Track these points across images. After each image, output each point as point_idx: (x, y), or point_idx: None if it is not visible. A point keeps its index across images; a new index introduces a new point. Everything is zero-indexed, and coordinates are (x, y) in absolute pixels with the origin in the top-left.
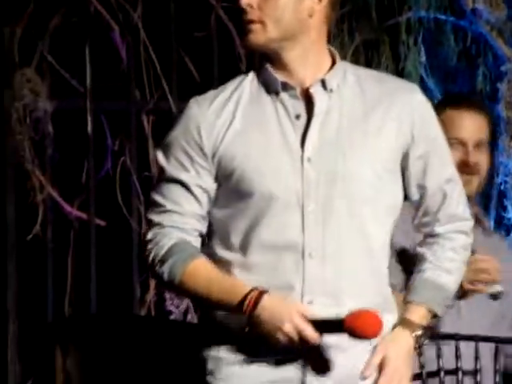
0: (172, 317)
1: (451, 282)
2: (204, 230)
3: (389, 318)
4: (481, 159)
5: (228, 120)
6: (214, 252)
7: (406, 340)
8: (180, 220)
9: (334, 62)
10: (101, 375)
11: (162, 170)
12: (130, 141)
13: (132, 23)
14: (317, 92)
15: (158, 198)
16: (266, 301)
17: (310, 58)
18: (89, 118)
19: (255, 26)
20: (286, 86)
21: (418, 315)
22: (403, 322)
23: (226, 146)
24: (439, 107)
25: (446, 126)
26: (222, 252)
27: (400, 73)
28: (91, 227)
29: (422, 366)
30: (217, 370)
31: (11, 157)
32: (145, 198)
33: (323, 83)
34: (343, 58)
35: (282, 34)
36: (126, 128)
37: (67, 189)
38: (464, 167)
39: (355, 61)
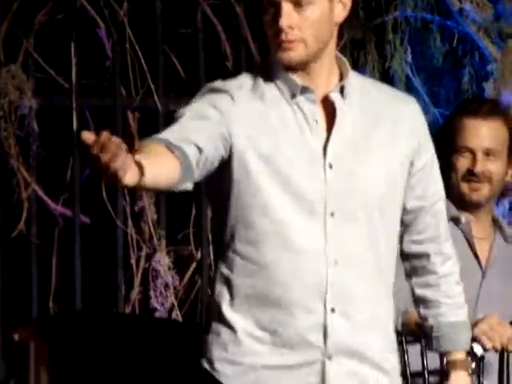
0: (157, 314)
1: (466, 314)
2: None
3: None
4: (492, 168)
5: (255, 112)
6: (234, 246)
7: (465, 381)
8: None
9: (340, 68)
10: (85, 372)
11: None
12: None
13: (118, 20)
14: (336, 98)
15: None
16: None
17: (326, 65)
18: (74, 115)
19: (296, 45)
20: (305, 90)
21: (462, 353)
22: (455, 364)
23: (249, 134)
24: (456, 115)
25: (458, 134)
26: (241, 247)
27: (386, 72)
28: (76, 224)
29: (406, 365)
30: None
31: None
32: (130, 195)
33: (342, 89)
34: None
35: (321, 47)
36: (112, 125)
37: (52, 186)
38: (471, 175)
39: None
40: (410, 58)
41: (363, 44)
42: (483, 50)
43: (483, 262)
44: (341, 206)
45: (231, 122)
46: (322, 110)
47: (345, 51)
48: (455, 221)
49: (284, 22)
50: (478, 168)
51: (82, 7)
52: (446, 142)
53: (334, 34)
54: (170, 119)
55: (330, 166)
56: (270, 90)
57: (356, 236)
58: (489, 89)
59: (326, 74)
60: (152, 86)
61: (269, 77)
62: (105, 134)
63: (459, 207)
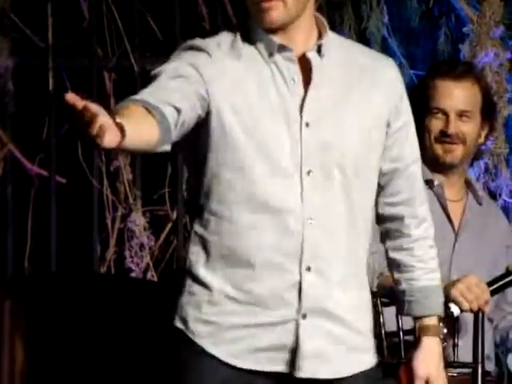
0: (132, 274)
1: (439, 278)
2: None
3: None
4: (465, 129)
5: (233, 71)
6: (209, 206)
7: (436, 347)
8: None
9: (318, 28)
10: (61, 332)
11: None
12: (91, 98)
13: None
14: (313, 57)
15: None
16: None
17: (305, 24)
18: (50, 75)
19: (276, 5)
20: (283, 49)
21: (434, 319)
22: (427, 329)
23: (227, 93)
24: (428, 77)
25: (431, 96)
26: (217, 207)
27: (362, 33)
28: (52, 184)
29: (381, 326)
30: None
31: None
32: (106, 155)
33: (319, 48)
34: None
35: (300, 9)
36: (88, 85)
37: (28, 146)
38: (444, 137)
39: None
40: (386, 19)
41: (340, 5)
42: (459, 12)
43: (456, 224)
44: (316, 165)
45: (209, 80)
46: (301, 69)
47: (321, 12)
48: (428, 183)
49: None
50: (451, 129)
51: None
52: (420, 103)
53: None
54: (146, 79)
55: (307, 125)
56: (248, 49)
57: (332, 196)
58: (465, 50)
59: (304, 34)
60: (128, 47)
61: (247, 37)
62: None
63: (433, 169)
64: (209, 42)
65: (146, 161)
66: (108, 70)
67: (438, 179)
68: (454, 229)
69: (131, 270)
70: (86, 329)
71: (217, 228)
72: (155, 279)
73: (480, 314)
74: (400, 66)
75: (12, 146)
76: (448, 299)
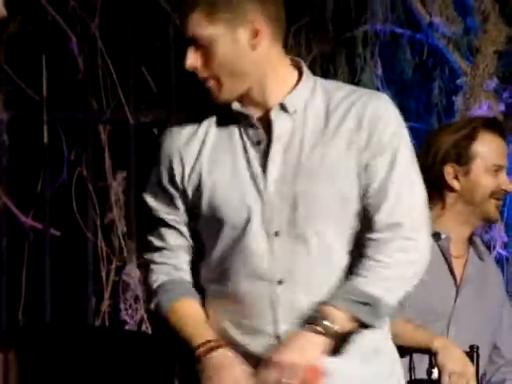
0: (126, 327)
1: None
2: (195, 257)
3: None
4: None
5: (197, 148)
6: (202, 276)
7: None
8: (169, 255)
9: (300, 73)
10: None
11: (147, 208)
12: (86, 151)
13: (89, 33)
14: (277, 116)
15: (148, 236)
16: (213, 357)
17: (268, 82)
18: (45, 128)
19: (211, 83)
20: (241, 115)
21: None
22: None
23: (196, 174)
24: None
25: (486, 151)
26: (205, 275)
27: (356, 85)
28: (46, 237)
29: None
30: None
31: None
32: (100, 208)
33: (282, 106)
34: None
35: (239, 78)
36: (83, 138)
37: (22, 198)
38: (502, 195)
39: (312, 73)
40: (380, 72)
41: (333, 57)
42: (453, 64)
43: (458, 279)
44: (284, 226)
45: (176, 181)
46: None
47: (315, 64)
48: (435, 236)
49: (187, 63)
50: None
51: (53, 19)
52: None
53: (264, 53)
54: (141, 132)
55: (271, 185)
56: (222, 115)
57: (304, 254)
58: (458, 102)
59: (272, 91)
60: (123, 99)
61: (216, 109)
62: None
63: (464, 223)
64: (178, 141)
65: (140, 213)
66: (103, 123)
67: (444, 233)
68: (455, 284)
69: (126, 322)
70: (80, 382)
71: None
72: (149, 332)
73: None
74: None
75: (6, 199)
76: (436, 363)
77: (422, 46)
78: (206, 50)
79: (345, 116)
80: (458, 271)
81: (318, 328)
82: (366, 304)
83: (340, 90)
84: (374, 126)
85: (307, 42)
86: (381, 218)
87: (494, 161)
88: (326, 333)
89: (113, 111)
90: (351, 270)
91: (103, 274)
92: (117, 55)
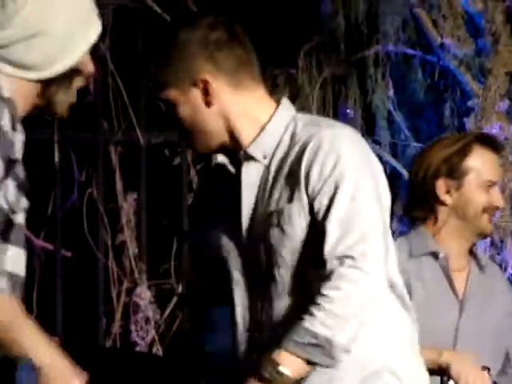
0: (137, 348)
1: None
2: None
3: None
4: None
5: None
6: None
7: None
8: None
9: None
10: None
11: None
12: (97, 172)
13: (100, 54)
14: (245, 165)
15: None
16: None
17: (238, 127)
18: (56, 149)
19: (191, 145)
20: (222, 167)
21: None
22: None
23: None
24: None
25: (479, 167)
26: None
27: (368, 106)
28: (57, 258)
29: None
30: None
31: None
32: (111, 229)
33: (247, 155)
34: (311, 91)
35: (206, 135)
36: (93, 159)
37: (34, 219)
38: (494, 210)
39: (323, 94)
40: (391, 93)
41: (345, 78)
42: (464, 86)
43: (460, 293)
44: (256, 272)
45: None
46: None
47: (326, 86)
48: (434, 255)
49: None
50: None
51: None
52: None
53: (225, 103)
54: (151, 153)
55: (245, 232)
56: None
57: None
58: (470, 124)
59: (247, 133)
60: (134, 120)
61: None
62: None
63: (460, 238)
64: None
65: (151, 235)
66: (114, 144)
67: (443, 252)
68: (458, 298)
69: (137, 343)
70: None
71: None
72: (160, 353)
73: None
74: (405, 139)
75: None
76: (450, 375)
77: (434, 68)
78: (172, 110)
79: (298, 154)
80: (460, 285)
81: (266, 375)
82: (317, 346)
83: (307, 126)
84: (314, 158)
85: (318, 64)
86: (327, 250)
87: (487, 177)
88: (273, 380)
89: (124, 132)
90: (305, 307)
91: (114, 295)
92: (127, 76)
